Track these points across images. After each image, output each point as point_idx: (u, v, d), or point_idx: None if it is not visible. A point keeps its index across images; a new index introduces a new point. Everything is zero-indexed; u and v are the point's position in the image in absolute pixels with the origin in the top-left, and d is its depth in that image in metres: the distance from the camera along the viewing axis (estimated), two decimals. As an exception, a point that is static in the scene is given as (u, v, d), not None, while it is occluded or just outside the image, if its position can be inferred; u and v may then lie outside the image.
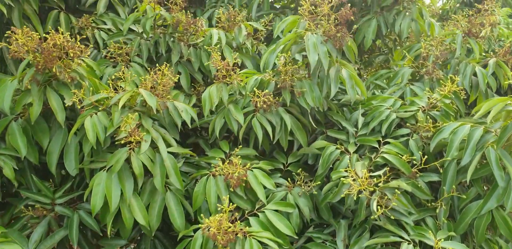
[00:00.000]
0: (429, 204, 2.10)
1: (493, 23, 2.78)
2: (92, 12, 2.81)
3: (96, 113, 1.96)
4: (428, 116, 2.24)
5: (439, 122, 2.20)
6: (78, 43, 2.03)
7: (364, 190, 1.88)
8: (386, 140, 2.21)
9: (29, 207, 2.11)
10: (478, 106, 1.91)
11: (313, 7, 2.19)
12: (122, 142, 1.90)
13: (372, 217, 1.88)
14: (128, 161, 1.90)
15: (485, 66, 2.65)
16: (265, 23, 3.03)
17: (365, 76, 3.41)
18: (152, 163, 1.94)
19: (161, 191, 1.97)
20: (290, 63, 2.26)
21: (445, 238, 1.90)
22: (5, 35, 1.93)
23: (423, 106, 2.31)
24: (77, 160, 2.06)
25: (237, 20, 2.82)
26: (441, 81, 2.44)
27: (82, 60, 2.09)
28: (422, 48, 2.66)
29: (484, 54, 2.95)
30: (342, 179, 1.93)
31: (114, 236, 2.21)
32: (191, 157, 2.29)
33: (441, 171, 2.03)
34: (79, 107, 1.99)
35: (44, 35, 1.96)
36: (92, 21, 2.76)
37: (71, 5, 2.82)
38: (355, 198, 1.86)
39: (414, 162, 2.08)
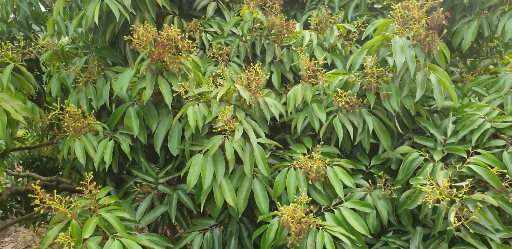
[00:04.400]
0: (522, 223, 1.96)
1: None
2: (200, 16, 3.14)
3: (197, 104, 2.24)
4: (529, 128, 2.07)
5: (542, 136, 2.02)
6: (186, 39, 2.32)
7: (442, 199, 1.84)
8: (476, 150, 2.11)
9: (137, 184, 2.49)
10: None
11: (405, 11, 2.17)
12: (219, 129, 2.14)
13: (448, 228, 1.83)
14: (222, 147, 2.14)
15: None
16: (358, 24, 3.05)
17: (465, 81, 3.20)
18: (242, 151, 2.14)
19: (250, 177, 2.17)
20: (377, 65, 2.28)
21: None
22: (130, 28, 2.29)
23: (525, 117, 2.14)
24: (179, 142, 2.37)
25: (330, 21, 2.90)
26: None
27: (189, 56, 2.39)
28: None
29: None
30: (419, 186, 1.91)
31: (206, 216, 2.49)
32: (277, 150, 2.45)
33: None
34: (184, 97, 2.29)
35: (159, 32, 2.30)
36: (200, 25, 3.09)
37: (183, 10, 3.18)
38: (430, 206, 1.83)
39: (507, 176, 1.95)
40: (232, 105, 2.23)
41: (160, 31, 2.26)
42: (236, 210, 2.17)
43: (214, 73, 2.48)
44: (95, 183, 2.10)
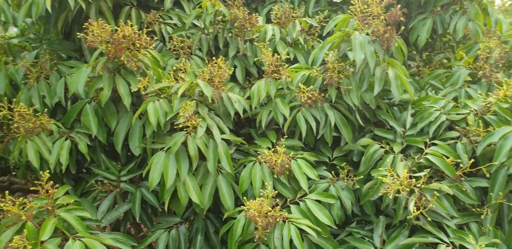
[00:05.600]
0: (475, 209, 2.07)
1: None
2: (159, 8, 3.04)
3: (158, 100, 2.17)
4: (480, 121, 2.18)
5: (491, 127, 2.14)
6: (145, 35, 2.23)
7: (402, 190, 1.91)
8: (433, 142, 2.20)
9: (99, 182, 2.40)
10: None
11: (365, 6, 2.21)
12: (180, 126, 2.09)
13: (408, 217, 1.91)
14: (185, 144, 2.09)
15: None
16: (319, 19, 3.07)
17: (422, 74, 3.34)
18: (206, 148, 2.11)
19: (213, 174, 2.14)
20: (337, 61, 2.32)
21: (489, 244, 1.87)
22: (83, 26, 2.20)
23: (476, 110, 2.25)
24: (141, 140, 2.30)
25: (292, 16, 2.90)
26: (499, 84, 2.36)
27: (148, 51, 2.31)
28: (480, 50, 2.57)
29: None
30: (380, 177, 1.97)
31: (170, 213, 2.45)
32: (242, 145, 2.44)
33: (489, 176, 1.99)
34: (143, 94, 2.21)
35: (115, 27, 2.20)
36: (159, 17, 2.99)
37: (141, 1, 3.07)
38: (391, 197, 1.90)
39: (461, 166, 2.06)
40: (195, 101, 2.18)
41: (116, 27, 2.16)
42: (202, 207, 2.14)
43: (175, 67, 2.42)
44: (52, 182, 2.00)
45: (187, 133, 2.11)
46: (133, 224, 2.90)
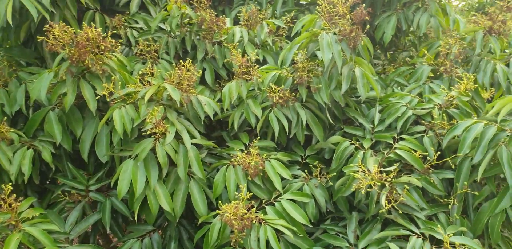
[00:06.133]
0: (442, 200, 2.13)
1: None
2: (125, 12, 2.98)
3: (124, 106, 2.12)
4: (444, 114, 2.26)
5: (454, 120, 2.22)
6: (109, 38, 2.18)
7: (373, 184, 1.94)
8: (401, 136, 2.26)
9: (66, 193, 2.31)
10: (491, 105, 1.93)
11: (330, 6, 2.25)
12: (148, 133, 2.05)
13: (380, 211, 1.94)
14: (153, 150, 2.04)
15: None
16: (286, 20, 3.10)
17: (387, 72, 3.43)
18: (175, 153, 2.07)
19: (184, 180, 2.10)
20: (307, 60, 2.34)
21: (456, 233, 1.92)
22: (44, 29, 2.12)
23: (440, 104, 2.33)
24: (108, 148, 2.23)
25: (260, 17, 2.91)
26: (459, 79, 2.45)
27: (114, 55, 2.25)
28: (440, 47, 2.67)
29: (507, 51, 2.91)
30: (352, 173, 2.00)
31: (142, 222, 2.39)
32: (214, 149, 2.41)
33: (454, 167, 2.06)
34: (108, 100, 2.15)
35: (78, 30, 2.13)
36: (124, 21, 2.92)
37: (105, 5, 2.99)
38: (363, 192, 1.93)
39: (428, 158, 2.12)
40: (163, 106, 2.14)
41: (79, 30, 2.09)
42: (173, 215, 2.10)
43: (141, 72, 2.37)
44: (14, 195, 1.91)
45: (155, 139, 2.06)
46: (101, 235, 2.81)
